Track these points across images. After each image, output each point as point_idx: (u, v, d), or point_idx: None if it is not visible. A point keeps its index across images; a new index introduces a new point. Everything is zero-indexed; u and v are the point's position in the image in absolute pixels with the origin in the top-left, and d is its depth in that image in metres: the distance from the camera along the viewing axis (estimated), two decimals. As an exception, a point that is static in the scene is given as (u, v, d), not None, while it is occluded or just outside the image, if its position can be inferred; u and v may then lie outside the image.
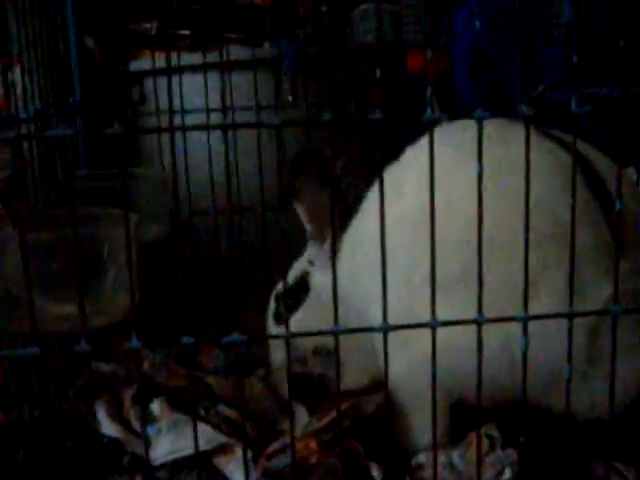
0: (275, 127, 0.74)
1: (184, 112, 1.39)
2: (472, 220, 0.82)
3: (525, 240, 0.75)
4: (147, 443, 0.98)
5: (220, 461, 0.93)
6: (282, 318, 1.23)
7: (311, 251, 1.21)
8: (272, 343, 1.19)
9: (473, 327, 0.78)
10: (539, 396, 0.90)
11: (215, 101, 1.42)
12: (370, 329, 0.79)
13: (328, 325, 0.77)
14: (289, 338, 0.76)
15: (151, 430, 1.01)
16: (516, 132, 0.90)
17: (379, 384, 1.02)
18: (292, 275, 1.23)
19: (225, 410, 1.02)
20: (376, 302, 0.97)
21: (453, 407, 0.97)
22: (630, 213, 0.91)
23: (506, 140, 0.91)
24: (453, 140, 0.94)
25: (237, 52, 1.60)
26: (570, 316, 0.79)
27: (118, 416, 1.06)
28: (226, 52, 1.34)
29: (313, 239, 1.19)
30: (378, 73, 0.80)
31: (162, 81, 1.61)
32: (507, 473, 0.86)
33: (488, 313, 0.77)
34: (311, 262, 1.21)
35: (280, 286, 1.25)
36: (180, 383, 1.07)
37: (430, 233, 0.76)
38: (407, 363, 0.93)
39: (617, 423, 0.85)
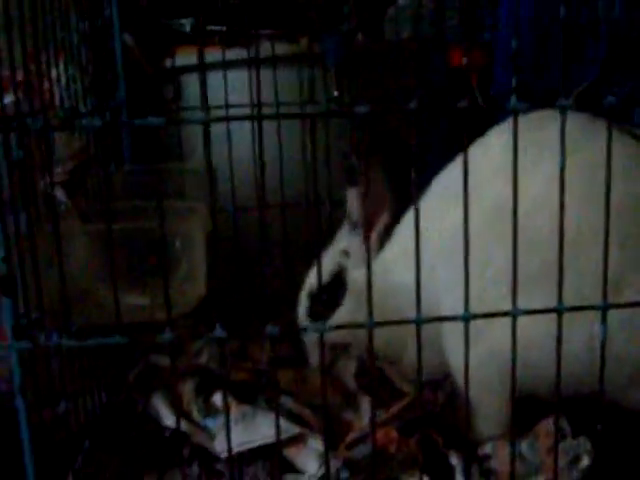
0: (312, 116, 0.74)
1: (227, 107, 1.40)
2: (555, 214, 0.82)
3: (605, 232, 0.76)
4: (212, 435, 0.99)
5: (291, 452, 0.93)
6: (319, 316, 1.20)
7: (347, 241, 1.18)
8: (309, 342, 1.17)
9: (551, 319, 0.79)
10: (617, 390, 0.90)
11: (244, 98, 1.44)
12: (452, 318, 0.79)
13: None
14: (323, 332, 0.75)
15: (214, 422, 1.02)
16: (599, 128, 0.90)
17: (445, 376, 1.03)
18: (325, 268, 1.17)
19: (289, 402, 1.03)
20: (448, 294, 0.97)
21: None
22: None
23: (590, 135, 0.91)
24: (534, 132, 0.93)
25: (276, 48, 1.61)
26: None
27: (177, 408, 1.06)
28: (271, 47, 1.35)
29: (355, 228, 1.17)
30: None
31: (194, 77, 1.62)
32: (585, 460, 0.86)
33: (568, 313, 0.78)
34: (346, 253, 1.18)
35: (313, 281, 1.19)
36: (244, 377, 1.07)
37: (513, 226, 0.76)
38: (477, 354, 0.94)
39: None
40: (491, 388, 0.96)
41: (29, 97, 0.80)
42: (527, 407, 0.96)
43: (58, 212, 0.95)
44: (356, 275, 1.16)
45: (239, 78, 1.45)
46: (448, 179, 1.03)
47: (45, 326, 0.80)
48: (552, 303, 0.79)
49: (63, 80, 1.12)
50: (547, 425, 0.93)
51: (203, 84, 0.74)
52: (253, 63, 1.44)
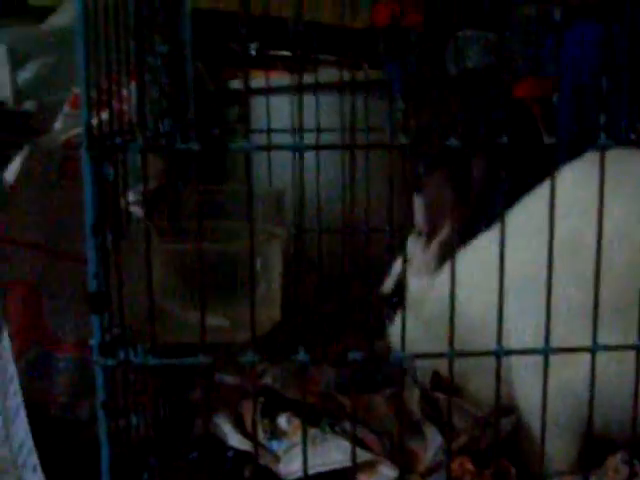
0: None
1: (298, 131, 1.41)
2: (630, 248, 0.83)
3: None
4: (276, 457, 0.99)
5: (362, 479, 0.93)
6: (391, 320, 1.26)
7: (411, 248, 1.21)
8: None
9: (625, 356, 0.79)
10: None
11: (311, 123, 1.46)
12: (532, 351, 0.79)
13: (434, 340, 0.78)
14: (405, 358, 0.76)
15: (279, 445, 1.02)
16: None
17: (509, 408, 1.03)
18: (393, 274, 1.26)
19: (347, 426, 1.03)
20: (517, 327, 0.98)
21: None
22: None
23: None
24: (610, 168, 0.93)
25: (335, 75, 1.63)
26: None
27: (241, 429, 1.07)
28: (350, 74, 1.37)
29: (420, 236, 1.19)
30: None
31: (263, 100, 1.64)
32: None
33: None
34: (407, 260, 1.20)
35: (386, 287, 1.27)
36: (312, 400, 1.07)
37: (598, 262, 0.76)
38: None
39: None
40: (558, 424, 0.96)
41: (112, 117, 0.82)
42: (595, 446, 0.96)
43: (138, 230, 0.97)
44: (413, 284, 1.20)
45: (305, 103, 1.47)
46: (523, 211, 1.03)
47: (128, 343, 0.82)
48: (624, 339, 0.79)
49: (134, 101, 1.15)
50: (616, 460, 0.93)
51: (246, 111, 0.75)
52: (313, 88, 1.47)
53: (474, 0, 1.47)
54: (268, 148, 0.81)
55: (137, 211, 1.01)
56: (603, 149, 0.77)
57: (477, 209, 1.16)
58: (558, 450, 0.97)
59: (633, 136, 0.84)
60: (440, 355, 0.77)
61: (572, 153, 1.02)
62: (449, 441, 0.77)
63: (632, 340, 0.78)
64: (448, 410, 0.78)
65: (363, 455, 0.94)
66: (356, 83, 1.38)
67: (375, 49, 1.52)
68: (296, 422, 1.03)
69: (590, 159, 0.99)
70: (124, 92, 1.27)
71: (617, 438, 0.95)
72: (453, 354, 0.77)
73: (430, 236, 1.18)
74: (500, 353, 0.77)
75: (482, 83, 1.58)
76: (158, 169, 1.07)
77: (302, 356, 0.76)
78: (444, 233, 1.17)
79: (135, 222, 1.05)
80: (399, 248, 1.13)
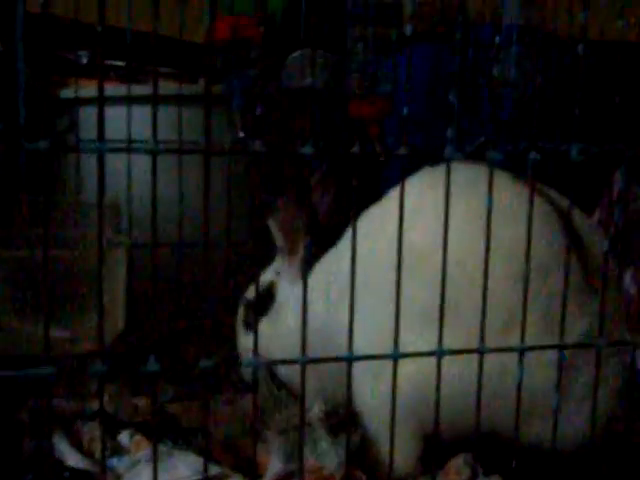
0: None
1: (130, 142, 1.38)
2: (460, 258, 0.87)
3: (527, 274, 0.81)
4: (117, 475, 0.96)
5: (211, 491, 0.91)
6: (251, 326, 1.26)
7: (279, 263, 1.27)
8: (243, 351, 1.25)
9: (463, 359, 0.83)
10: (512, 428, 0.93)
11: (145, 135, 1.42)
12: (383, 356, 0.80)
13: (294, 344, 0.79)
14: (257, 367, 0.76)
15: (119, 462, 0.99)
16: (503, 179, 0.97)
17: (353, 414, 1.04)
18: (260, 283, 1.26)
19: (191, 439, 1.01)
20: (361, 333, 0.99)
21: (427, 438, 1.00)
22: (598, 259, 0.98)
23: (504, 192, 0.96)
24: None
25: (170, 87, 1.61)
26: (560, 347, 0.85)
27: (80, 449, 1.02)
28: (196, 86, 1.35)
29: (283, 254, 1.25)
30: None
31: (92, 110, 1.59)
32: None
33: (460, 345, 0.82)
34: (278, 273, 1.27)
35: (249, 293, 1.30)
36: (144, 417, 1.04)
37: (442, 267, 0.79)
38: (382, 392, 0.96)
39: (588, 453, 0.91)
40: (401, 429, 0.98)
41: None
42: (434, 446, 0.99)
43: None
44: (283, 291, 1.25)
45: (139, 115, 1.44)
46: (369, 220, 1.06)
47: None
48: (455, 342, 0.83)
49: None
50: (457, 463, 0.96)
51: (100, 113, 0.72)
52: (153, 100, 1.43)
53: (313, 19, 1.50)
54: (122, 150, 0.77)
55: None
56: (448, 161, 0.80)
57: (329, 227, 1.21)
58: (400, 452, 0.99)
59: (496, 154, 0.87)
60: (293, 362, 0.77)
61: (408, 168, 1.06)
62: (300, 451, 0.77)
63: (474, 343, 0.81)
64: (301, 418, 0.77)
65: (213, 469, 0.92)
66: (194, 97, 1.37)
67: (214, 63, 1.52)
68: (138, 438, 1.00)
69: (427, 173, 1.04)
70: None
71: (454, 439, 0.98)
72: (305, 360, 0.77)
73: (290, 253, 1.23)
74: (351, 359, 0.78)
75: (320, 101, 1.62)
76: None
77: (152, 366, 0.73)
78: (303, 249, 1.22)
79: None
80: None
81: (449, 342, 0.82)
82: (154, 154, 0.72)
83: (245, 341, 1.28)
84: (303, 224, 1.19)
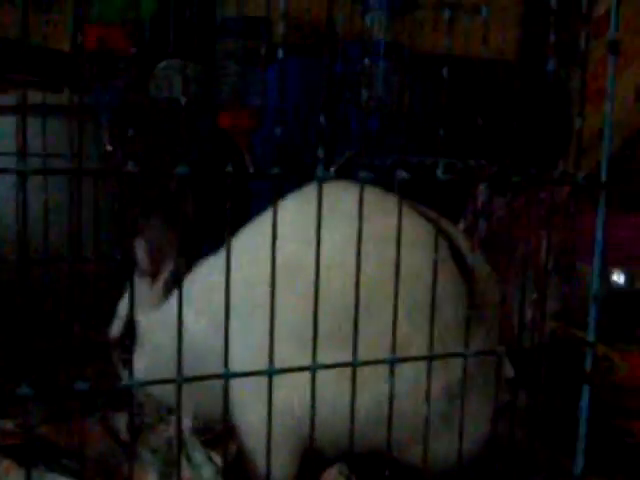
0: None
1: None
2: (347, 276, 0.89)
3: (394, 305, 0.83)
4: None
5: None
6: (126, 363, 1.23)
7: (136, 287, 1.21)
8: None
9: (340, 377, 0.86)
10: (400, 446, 0.96)
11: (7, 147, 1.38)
12: (258, 372, 0.81)
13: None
14: (136, 386, 0.76)
15: (-13, 491, 0.95)
16: (392, 202, 0.99)
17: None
18: (120, 316, 1.25)
19: (64, 461, 0.99)
20: (235, 347, 1.00)
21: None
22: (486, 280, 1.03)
23: (384, 209, 0.98)
24: (328, 199, 0.98)
25: (35, 97, 1.56)
26: (430, 358, 0.88)
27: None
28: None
29: (144, 277, 1.21)
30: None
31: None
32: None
33: (359, 371, 0.84)
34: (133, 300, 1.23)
35: (113, 330, 1.26)
36: (13, 440, 1.01)
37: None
38: (262, 410, 0.96)
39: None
40: (275, 444, 0.99)
41: None
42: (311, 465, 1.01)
43: None
44: (144, 322, 1.20)
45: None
46: (244, 237, 1.07)
47: None
48: (341, 359, 0.85)
49: None
50: (331, 474, 0.98)
51: None
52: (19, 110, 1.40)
53: (182, 30, 1.49)
54: None
55: None
56: (321, 181, 0.81)
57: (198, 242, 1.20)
58: (277, 469, 1.00)
59: (367, 174, 0.89)
60: (169, 381, 0.77)
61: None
62: (178, 464, 0.77)
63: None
64: (179, 438, 0.77)
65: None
66: (60, 107, 1.33)
67: (80, 73, 1.49)
68: (6, 463, 0.97)
69: (308, 190, 1.05)
70: None
71: (334, 456, 1.00)
72: (182, 380, 0.77)
73: (155, 275, 1.20)
74: (227, 376, 0.79)
75: (187, 112, 1.61)
76: None
77: (25, 390, 0.71)
78: (167, 270, 1.20)
79: None
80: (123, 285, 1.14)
81: (331, 360, 0.84)
82: (23, 175, 0.71)
83: (125, 376, 1.24)
84: (172, 245, 1.18)
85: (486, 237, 1.33)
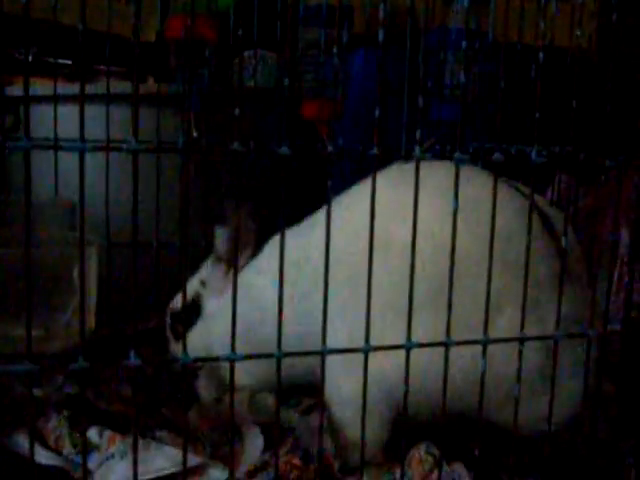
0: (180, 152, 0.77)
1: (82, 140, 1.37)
2: (439, 246, 0.91)
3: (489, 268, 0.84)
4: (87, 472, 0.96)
5: (191, 482, 0.92)
6: (179, 336, 1.30)
7: (206, 272, 1.29)
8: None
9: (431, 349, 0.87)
10: (494, 408, 0.97)
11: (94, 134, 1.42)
12: (354, 350, 0.83)
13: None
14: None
15: (91, 459, 0.99)
16: (484, 176, 1.00)
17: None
18: (188, 292, 1.28)
19: (165, 435, 1.02)
20: (334, 323, 1.02)
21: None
22: (574, 250, 1.05)
23: (474, 184, 0.99)
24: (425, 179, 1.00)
25: (121, 86, 1.61)
26: (521, 340, 0.89)
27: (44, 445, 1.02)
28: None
29: (220, 263, 1.26)
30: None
31: (37, 109, 1.58)
32: (462, 486, 0.93)
33: (453, 334, 0.85)
34: (203, 283, 1.29)
35: (175, 303, 1.32)
36: (119, 408, 1.05)
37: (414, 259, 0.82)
38: (359, 381, 0.98)
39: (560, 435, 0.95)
40: (368, 412, 1.01)
41: None
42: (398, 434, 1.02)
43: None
44: (211, 303, 1.27)
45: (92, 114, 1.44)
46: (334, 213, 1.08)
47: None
48: (435, 329, 0.86)
49: None
50: (418, 453, 0.99)
51: (27, 110, 0.72)
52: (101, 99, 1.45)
53: (265, 20, 1.52)
54: (49, 147, 0.77)
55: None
56: (418, 160, 0.83)
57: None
58: (370, 435, 1.01)
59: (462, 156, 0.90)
60: (269, 355, 0.79)
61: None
62: (277, 441, 0.79)
63: (440, 330, 0.85)
64: (277, 412, 0.80)
65: (192, 459, 0.93)
66: (146, 96, 1.37)
67: (166, 62, 1.52)
68: (109, 434, 1.00)
69: (392, 170, 1.07)
70: None
71: (424, 419, 1.00)
72: (281, 355, 0.80)
73: (231, 264, 1.24)
74: (324, 352, 0.81)
75: (270, 101, 1.64)
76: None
77: (133, 360, 0.75)
78: (244, 259, 1.24)
79: None
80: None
81: (421, 331, 0.85)
82: (135, 153, 0.74)
83: (177, 348, 1.30)
84: (252, 235, 1.22)
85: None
